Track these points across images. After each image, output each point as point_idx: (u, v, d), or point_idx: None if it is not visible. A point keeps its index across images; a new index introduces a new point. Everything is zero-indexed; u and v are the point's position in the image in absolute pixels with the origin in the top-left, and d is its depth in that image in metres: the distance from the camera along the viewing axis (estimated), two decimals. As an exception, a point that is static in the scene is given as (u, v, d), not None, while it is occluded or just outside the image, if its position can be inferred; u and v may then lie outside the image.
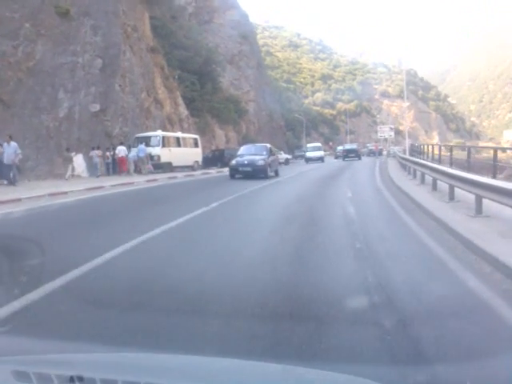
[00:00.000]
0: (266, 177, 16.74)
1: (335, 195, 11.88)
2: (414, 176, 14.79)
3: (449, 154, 14.41)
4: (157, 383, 1.35)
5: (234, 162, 17.59)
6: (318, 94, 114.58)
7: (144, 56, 27.89)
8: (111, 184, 15.53)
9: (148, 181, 17.87)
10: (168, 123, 28.14)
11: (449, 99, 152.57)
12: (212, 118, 34.08)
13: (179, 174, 21.15)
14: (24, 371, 1.38)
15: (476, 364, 2.52)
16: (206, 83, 32.57)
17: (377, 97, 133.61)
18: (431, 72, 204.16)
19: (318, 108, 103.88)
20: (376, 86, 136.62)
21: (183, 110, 30.03)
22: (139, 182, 17.38)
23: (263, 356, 2.57)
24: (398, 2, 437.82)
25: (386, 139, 49.93)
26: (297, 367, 1.75)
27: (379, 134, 45.90)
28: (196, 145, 25.82)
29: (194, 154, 25.10)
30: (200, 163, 25.67)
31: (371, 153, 48.73)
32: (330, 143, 75.75)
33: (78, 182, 16.41)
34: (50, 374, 1.33)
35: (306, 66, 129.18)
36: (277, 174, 18.86)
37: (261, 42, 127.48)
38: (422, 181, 12.77)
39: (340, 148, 55.18)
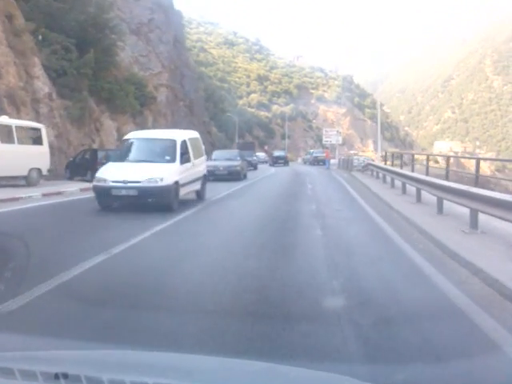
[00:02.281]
0: None
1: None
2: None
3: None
4: (142, 381, 1.31)
5: None
6: (254, 95, 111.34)
7: (-30, -9, 17.04)
8: None
9: None
10: (10, 104, 17.35)
11: (384, 108, 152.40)
12: (99, 103, 23.51)
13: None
14: (8, 368, 1.35)
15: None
16: (89, 52, 21.99)
17: (313, 101, 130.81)
18: (364, 81, 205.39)
19: (253, 110, 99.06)
20: (313, 91, 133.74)
21: (43, 86, 19.30)
22: None
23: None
24: (333, 9, 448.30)
25: (323, 145, 41.69)
26: (281, 365, 1.72)
27: (325, 139, 37.32)
28: (37, 141, 14.98)
29: (32, 157, 14.21)
30: (45, 172, 14.97)
31: (316, 161, 35.04)
32: (266, 147, 68.55)
33: None
34: (35, 371, 1.32)
35: (242, 65, 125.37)
36: None
37: (195, 38, 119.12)
38: None
39: (258, 154, 48.33)
